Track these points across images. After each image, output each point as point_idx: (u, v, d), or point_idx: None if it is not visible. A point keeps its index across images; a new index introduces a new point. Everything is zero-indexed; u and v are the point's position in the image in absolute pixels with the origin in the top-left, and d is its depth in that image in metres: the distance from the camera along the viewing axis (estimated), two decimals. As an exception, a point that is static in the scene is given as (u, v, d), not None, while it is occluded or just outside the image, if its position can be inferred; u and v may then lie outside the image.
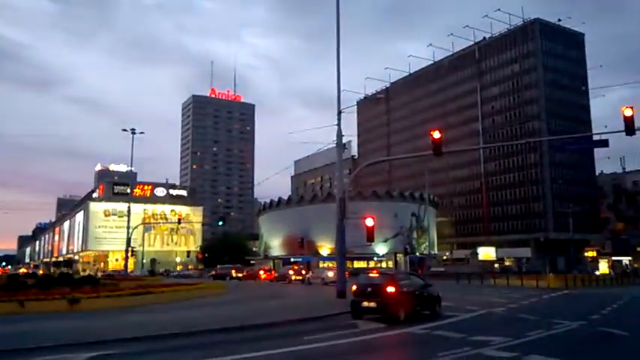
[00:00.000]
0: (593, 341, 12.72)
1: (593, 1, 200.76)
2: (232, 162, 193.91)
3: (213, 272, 65.76)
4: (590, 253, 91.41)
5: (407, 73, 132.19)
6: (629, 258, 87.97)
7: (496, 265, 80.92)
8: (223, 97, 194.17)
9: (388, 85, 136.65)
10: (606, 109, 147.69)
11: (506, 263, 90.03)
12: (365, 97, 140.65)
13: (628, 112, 19.36)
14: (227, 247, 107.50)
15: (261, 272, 58.30)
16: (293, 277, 48.21)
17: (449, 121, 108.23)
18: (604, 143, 22.15)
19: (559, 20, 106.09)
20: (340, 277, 24.60)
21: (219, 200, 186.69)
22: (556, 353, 10.29)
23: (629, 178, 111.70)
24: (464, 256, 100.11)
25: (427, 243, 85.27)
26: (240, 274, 60.60)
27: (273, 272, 59.40)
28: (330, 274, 40.74)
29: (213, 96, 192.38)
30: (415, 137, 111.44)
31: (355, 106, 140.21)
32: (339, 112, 25.86)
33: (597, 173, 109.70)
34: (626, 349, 11.76)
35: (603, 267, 73.15)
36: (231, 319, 16.05)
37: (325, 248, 77.81)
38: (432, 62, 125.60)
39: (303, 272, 49.49)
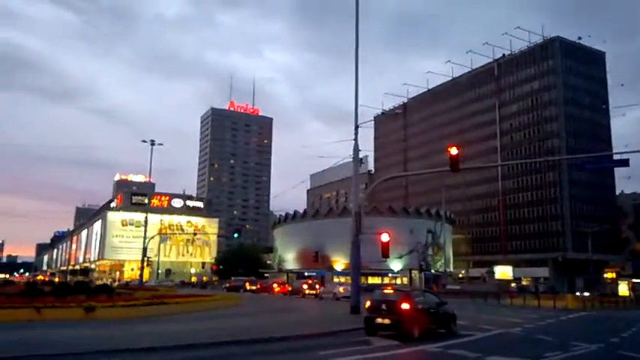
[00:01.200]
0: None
1: (614, 20, 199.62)
2: (249, 175, 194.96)
3: (228, 284, 65.60)
4: (610, 275, 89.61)
5: (425, 89, 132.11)
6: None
7: (513, 285, 79.64)
8: (242, 111, 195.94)
9: (406, 100, 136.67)
10: (627, 128, 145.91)
11: (524, 283, 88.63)
12: (382, 113, 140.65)
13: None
14: (242, 259, 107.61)
15: (275, 285, 58.21)
16: (307, 292, 47.99)
17: (467, 138, 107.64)
18: (624, 163, 21.82)
19: (579, 38, 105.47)
20: (354, 292, 24.43)
21: (235, 212, 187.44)
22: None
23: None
24: (480, 275, 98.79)
25: (443, 260, 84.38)
26: (253, 287, 60.46)
27: (287, 286, 59.29)
28: (342, 289, 40.61)
29: (231, 109, 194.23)
30: (432, 153, 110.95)
31: (372, 122, 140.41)
32: (357, 127, 25.91)
33: (617, 193, 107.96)
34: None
35: (623, 289, 71.51)
36: (245, 332, 16.03)
37: (340, 263, 77.49)
38: (451, 79, 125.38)
39: (317, 287, 49.25)
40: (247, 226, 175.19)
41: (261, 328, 17.68)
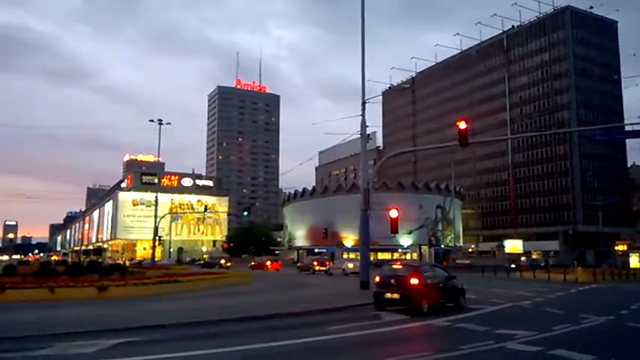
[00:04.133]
0: (621, 336, 12.45)
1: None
2: (257, 152, 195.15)
3: (253, 263, 66.20)
4: (621, 247, 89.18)
5: (433, 63, 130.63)
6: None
7: (523, 258, 79.67)
8: (248, 89, 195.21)
9: (414, 75, 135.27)
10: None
11: (534, 256, 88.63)
12: (390, 88, 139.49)
13: (662, 102, 18.70)
14: (252, 237, 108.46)
15: (268, 262, 60.96)
16: (317, 268, 49.36)
17: (476, 112, 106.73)
18: (636, 134, 21.52)
19: (591, 8, 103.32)
20: (364, 268, 24.56)
21: (244, 191, 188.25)
22: (582, 348, 10.09)
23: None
24: (490, 249, 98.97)
25: (452, 235, 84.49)
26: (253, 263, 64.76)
27: (279, 262, 63.22)
28: (350, 265, 41.55)
29: (238, 87, 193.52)
30: (441, 128, 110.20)
31: (380, 97, 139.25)
32: (364, 103, 25.72)
33: (629, 165, 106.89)
34: (656, 345, 11.47)
35: (634, 261, 71.24)
36: (255, 308, 16.20)
37: (349, 239, 77.85)
38: (460, 52, 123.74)
39: (327, 263, 50.43)
40: (257, 204, 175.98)
41: (271, 304, 17.86)
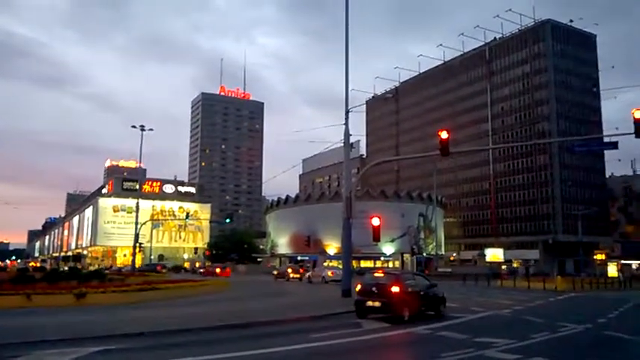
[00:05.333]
0: (598, 345, 12.63)
1: (605, 3, 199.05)
2: (241, 160, 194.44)
3: (201, 270, 70.51)
4: (599, 256, 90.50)
5: (416, 73, 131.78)
6: (638, 262, 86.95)
7: (503, 267, 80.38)
8: (232, 95, 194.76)
9: (398, 84, 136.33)
10: (618, 112, 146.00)
11: (514, 265, 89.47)
12: (374, 97, 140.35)
13: (638, 114, 19.14)
14: (234, 244, 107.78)
15: (218, 270, 63.00)
16: (291, 275, 50.61)
17: (458, 122, 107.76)
18: (613, 145, 21.95)
19: (570, 21, 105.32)
20: (346, 276, 24.59)
21: (227, 198, 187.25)
22: (560, 357, 10.23)
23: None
24: (471, 257, 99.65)
25: (434, 243, 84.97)
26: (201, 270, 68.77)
27: (227, 270, 65.22)
28: (330, 272, 42.29)
29: (222, 94, 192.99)
30: (424, 137, 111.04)
31: (364, 106, 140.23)
32: (347, 111, 25.86)
33: (608, 175, 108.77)
34: (632, 353, 11.66)
35: (612, 270, 72.29)
36: (236, 316, 16.11)
37: (332, 247, 77.82)
38: (442, 62, 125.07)
39: (301, 271, 52.09)
40: (240, 211, 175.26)
41: (251, 312, 17.79)
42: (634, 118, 19.26)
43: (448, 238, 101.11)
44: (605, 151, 73.00)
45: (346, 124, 25.69)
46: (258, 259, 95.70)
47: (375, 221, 24.74)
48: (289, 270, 52.80)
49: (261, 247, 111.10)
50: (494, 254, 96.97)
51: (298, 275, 49.99)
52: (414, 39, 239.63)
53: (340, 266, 43.92)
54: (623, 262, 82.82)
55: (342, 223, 24.53)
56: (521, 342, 11.90)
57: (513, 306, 22.29)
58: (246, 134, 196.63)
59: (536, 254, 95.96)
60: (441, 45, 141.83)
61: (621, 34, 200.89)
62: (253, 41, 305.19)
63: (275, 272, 58.39)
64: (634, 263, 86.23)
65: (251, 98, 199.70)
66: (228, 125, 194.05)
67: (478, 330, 14.05)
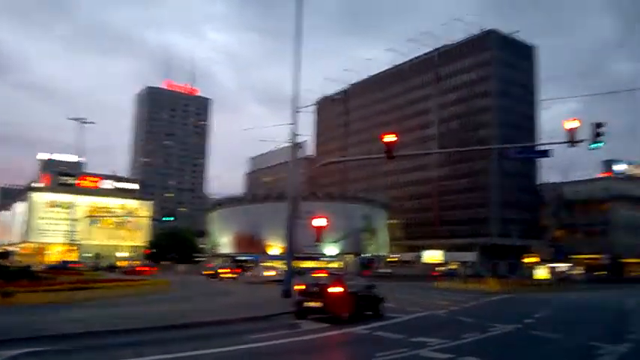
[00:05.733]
0: (525, 344, 13.23)
1: (547, 16, 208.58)
2: (185, 156, 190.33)
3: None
4: (530, 259, 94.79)
5: (366, 76, 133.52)
6: (567, 264, 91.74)
7: (442, 268, 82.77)
8: (179, 91, 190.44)
9: (347, 86, 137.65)
10: (556, 121, 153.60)
11: (452, 267, 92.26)
12: (324, 98, 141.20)
13: (570, 125, 20.17)
14: (175, 243, 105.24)
15: (141, 268, 61.85)
16: (223, 275, 50.66)
17: (405, 125, 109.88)
18: (545, 154, 23.05)
19: (514, 32, 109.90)
20: (287, 276, 24.60)
21: (169, 195, 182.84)
22: (489, 355, 10.66)
23: (570, 187, 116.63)
24: (412, 259, 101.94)
25: (377, 245, 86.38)
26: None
27: (153, 268, 63.86)
28: (269, 272, 42.32)
29: (168, 88, 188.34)
30: (372, 140, 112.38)
31: (314, 106, 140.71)
32: (296, 111, 25.89)
33: (542, 182, 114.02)
34: (555, 351, 12.28)
35: (542, 272, 75.87)
36: (174, 317, 15.80)
37: (276, 247, 77.62)
38: (391, 66, 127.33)
39: (237, 271, 52.75)
40: (182, 209, 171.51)
41: (191, 312, 17.48)
42: (566, 128, 20.29)
43: (391, 239, 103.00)
44: (540, 159, 76.57)
45: (294, 123, 25.73)
46: (199, 259, 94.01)
47: (319, 222, 24.90)
48: (220, 270, 53.08)
49: (203, 246, 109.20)
50: (433, 256, 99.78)
51: (232, 275, 50.14)
52: (363, 42, 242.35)
53: (281, 266, 44.01)
54: (552, 265, 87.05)
55: (286, 223, 24.54)
56: (453, 342, 12.30)
57: (449, 306, 23.00)
58: (192, 130, 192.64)
59: (473, 256, 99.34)
60: (390, 49, 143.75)
61: (561, 47, 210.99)
62: (202, 37, 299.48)
63: (207, 272, 57.45)
64: (562, 265, 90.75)
65: (199, 94, 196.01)
66: (174, 121, 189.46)
67: (414, 330, 14.41)
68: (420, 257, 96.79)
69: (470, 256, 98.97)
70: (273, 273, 42.91)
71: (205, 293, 28.80)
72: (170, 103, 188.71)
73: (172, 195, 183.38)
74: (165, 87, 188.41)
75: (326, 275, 18.81)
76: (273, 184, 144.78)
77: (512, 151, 31.73)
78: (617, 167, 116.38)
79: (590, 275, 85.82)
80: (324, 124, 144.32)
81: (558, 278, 68.66)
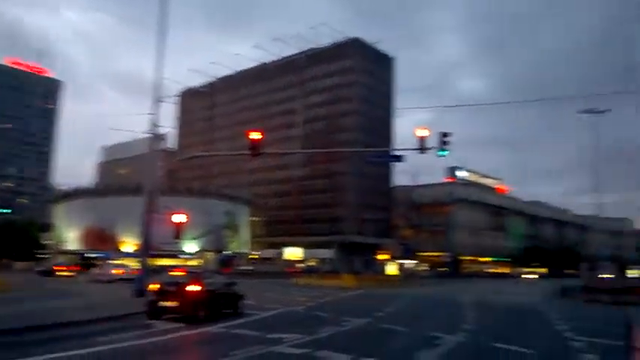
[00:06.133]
0: (375, 336, 14.04)
1: (406, 31, 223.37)
2: (29, 142, 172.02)
3: None
4: (382, 256, 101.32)
5: (233, 71, 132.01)
6: (414, 261, 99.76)
7: (301, 265, 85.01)
8: (25, 69, 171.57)
9: (213, 80, 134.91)
10: (410, 128, 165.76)
11: (311, 263, 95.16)
12: (188, 90, 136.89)
13: (421, 133, 21.79)
14: (12, 237, 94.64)
15: None
16: (60, 273, 48.08)
17: (271, 124, 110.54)
18: (399, 159, 24.72)
19: (376, 42, 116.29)
20: (141, 274, 23.38)
21: (8, 184, 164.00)
22: (343, 349, 11.10)
23: (419, 190, 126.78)
24: (272, 256, 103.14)
25: (239, 242, 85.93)
26: None
27: None
28: (116, 270, 40.60)
29: (12, 66, 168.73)
30: (237, 136, 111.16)
31: (177, 98, 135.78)
32: (157, 101, 24.70)
33: (395, 185, 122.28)
34: (402, 342, 13.20)
35: (392, 269, 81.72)
36: (15, 319, 14.14)
37: (130, 244, 73.41)
38: (259, 64, 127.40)
39: (76, 268, 50.67)
40: (23, 200, 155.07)
41: (33, 314, 15.77)
42: (418, 136, 21.89)
43: (253, 236, 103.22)
44: (394, 163, 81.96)
45: (155, 114, 24.52)
46: (42, 256, 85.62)
47: (178, 218, 24.09)
48: (57, 267, 50.40)
49: (47, 241, 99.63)
50: (293, 253, 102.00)
51: (69, 273, 47.78)
52: (232, 37, 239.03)
53: (132, 264, 42.03)
54: (402, 261, 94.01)
55: (143, 218, 23.33)
56: (309, 337, 12.63)
57: (306, 302, 23.62)
58: (37, 114, 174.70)
59: (331, 253, 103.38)
60: (258, 47, 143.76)
61: (418, 60, 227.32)
62: (58, 15, 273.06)
63: (39, 269, 53.13)
64: (410, 262, 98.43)
65: (49, 76, 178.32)
66: (16, 102, 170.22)
67: (271, 326, 14.54)
68: (281, 254, 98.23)
69: (328, 253, 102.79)
70: (121, 271, 40.67)
71: (46, 293, 26.19)
72: (13, 82, 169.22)
73: (11, 184, 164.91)
74: (9, 64, 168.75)
75: (183, 273, 18.19)
76: (129, 177, 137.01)
77: (371, 155, 33.59)
78: (460, 173, 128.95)
79: (433, 271, 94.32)
80: (187, 117, 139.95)
81: (406, 274, 74.27)
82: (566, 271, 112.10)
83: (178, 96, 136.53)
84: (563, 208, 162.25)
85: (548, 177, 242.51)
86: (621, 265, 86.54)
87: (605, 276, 47.22)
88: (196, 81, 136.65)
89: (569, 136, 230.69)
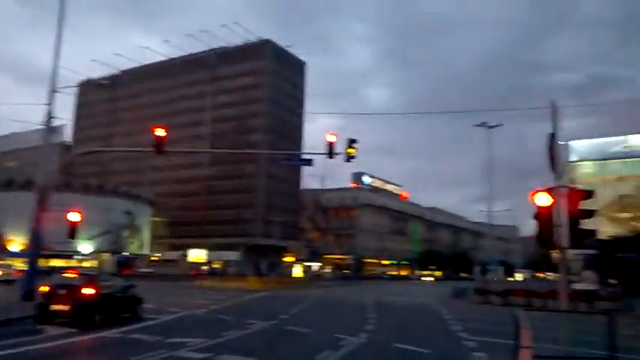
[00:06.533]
0: (281, 338, 14.03)
1: (318, 37, 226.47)
2: None
3: None
4: (288, 259, 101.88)
5: (139, 64, 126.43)
6: (319, 264, 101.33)
7: (204, 267, 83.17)
8: None
9: (117, 72, 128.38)
10: (318, 133, 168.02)
11: (216, 266, 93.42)
12: (89, 81, 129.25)
13: (330, 138, 22.13)
14: None
15: None
16: None
17: (177, 121, 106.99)
18: (308, 162, 24.94)
19: (288, 46, 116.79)
20: (29, 276, 21.60)
21: None
22: (246, 352, 10.97)
23: (326, 195, 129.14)
24: (175, 258, 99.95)
25: (139, 243, 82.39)
26: None
27: None
28: None
29: None
30: (140, 132, 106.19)
31: (76, 89, 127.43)
32: (54, 91, 23.00)
33: (304, 188, 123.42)
34: (306, 344, 13.29)
35: (297, 271, 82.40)
36: None
37: (18, 243, 67.77)
38: (167, 59, 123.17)
39: None
40: None
41: None
42: (327, 141, 22.20)
43: (155, 237, 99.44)
44: (303, 167, 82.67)
45: (50, 104, 22.82)
46: None
47: (74, 216, 22.56)
48: None
49: None
50: (197, 255, 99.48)
51: None
52: (138, 28, 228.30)
53: (18, 265, 39.00)
54: (307, 264, 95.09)
55: (33, 215, 21.60)
56: (212, 340, 12.35)
57: (210, 305, 23.12)
58: None
59: (237, 255, 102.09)
60: (167, 41, 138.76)
61: (326, 66, 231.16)
62: None
63: None
64: (315, 265, 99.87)
65: None
66: None
67: (172, 330, 14.07)
68: (185, 256, 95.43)
69: (234, 255, 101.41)
70: (4, 272, 37.53)
71: None
72: None
73: None
74: None
75: (76, 275, 17.11)
76: (19, 170, 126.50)
77: (282, 158, 33.62)
78: (365, 179, 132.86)
79: (338, 273, 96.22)
80: (86, 110, 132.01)
81: (311, 276, 75.12)
82: (461, 274, 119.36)
83: (78, 87, 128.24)
84: (459, 215, 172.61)
85: (446, 185, 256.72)
86: (509, 269, 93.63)
87: (494, 279, 50.73)
88: (98, 72, 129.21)
89: (465, 147, 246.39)
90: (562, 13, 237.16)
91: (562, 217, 9.09)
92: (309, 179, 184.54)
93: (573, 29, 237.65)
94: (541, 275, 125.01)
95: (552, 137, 9.54)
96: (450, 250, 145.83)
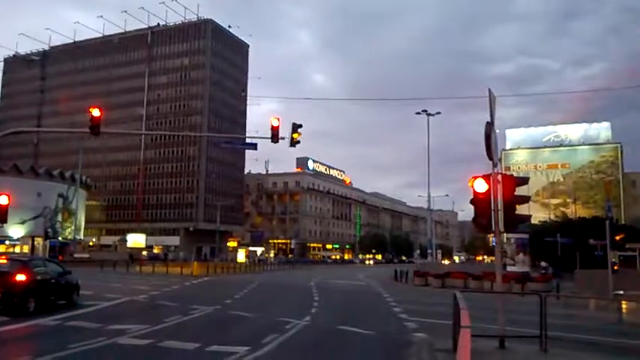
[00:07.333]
0: (224, 323, 13.96)
1: (261, 17, 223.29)
2: None
3: None
4: (232, 243, 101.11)
5: (71, 41, 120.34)
6: (262, 248, 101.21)
7: (144, 253, 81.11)
8: None
9: (47, 48, 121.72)
10: (261, 117, 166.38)
11: (155, 251, 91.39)
12: (17, 56, 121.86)
13: (274, 122, 21.96)
14: None
15: None
16: None
17: (113, 101, 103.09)
18: (253, 146, 24.71)
19: (229, 27, 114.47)
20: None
21: None
22: (190, 337, 10.84)
23: (271, 179, 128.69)
24: (112, 243, 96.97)
25: (73, 227, 79.26)
26: None
27: None
28: None
29: None
30: (73, 111, 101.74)
31: (1, 63, 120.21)
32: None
33: (246, 172, 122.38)
34: (251, 328, 13.29)
35: (242, 256, 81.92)
36: None
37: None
38: (101, 35, 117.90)
39: None
40: None
41: None
42: (271, 125, 22.04)
43: (90, 222, 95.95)
44: (247, 151, 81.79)
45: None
46: None
47: (2, 199, 21.38)
48: None
49: None
50: (136, 240, 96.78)
51: None
52: (71, 1, 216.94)
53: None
54: (251, 248, 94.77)
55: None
56: (154, 327, 12.12)
57: (150, 291, 22.65)
58: None
59: (177, 240, 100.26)
60: (101, 17, 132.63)
61: (270, 50, 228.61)
62: None
63: None
64: (259, 249, 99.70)
65: None
66: None
67: (112, 317, 13.70)
68: (125, 241, 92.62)
69: (175, 240, 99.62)
70: None
71: None
72: None
73: None
74: None
75: (6, 261, 16.26)
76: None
77: (222, 141, 33.09)
78: (309, 164, 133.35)
79: (281, 258, 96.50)
80: (13, 87, 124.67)
81: (255, 261, 74.92)
82: (402, 258, 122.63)
83: (3, 62, 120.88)
84: (399, 200, 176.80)
85: (386, 171, 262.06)
86: (447, 252, 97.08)
87: (433, 261, 52.50)
88: (27, 47, 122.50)
89: (406, 134, 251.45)
90: (500, 5, 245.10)
91: (498, 202, 9.50)
92: (253, 163, 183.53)
93: (510, 21, 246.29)
94: (478, 258, 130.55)
95: (489, 125, 9.86)
96: (391, 234, 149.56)
